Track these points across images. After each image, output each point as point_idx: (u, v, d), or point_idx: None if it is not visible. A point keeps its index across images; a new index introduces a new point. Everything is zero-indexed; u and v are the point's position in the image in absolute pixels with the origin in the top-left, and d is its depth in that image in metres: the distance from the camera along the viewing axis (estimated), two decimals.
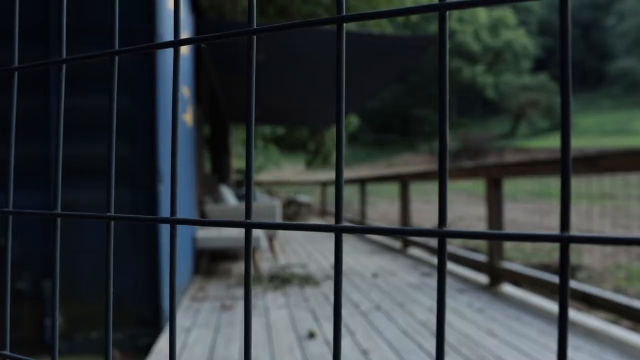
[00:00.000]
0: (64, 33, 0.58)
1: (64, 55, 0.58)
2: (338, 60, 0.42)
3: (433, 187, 15.17)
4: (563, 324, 0.33)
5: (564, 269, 0.33)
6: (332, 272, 4.68)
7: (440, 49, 0.38)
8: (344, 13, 0.41)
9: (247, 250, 0.45)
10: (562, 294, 0.33)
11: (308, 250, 6.26)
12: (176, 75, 0.51)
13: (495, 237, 0.35)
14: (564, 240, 0.33)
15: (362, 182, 9.01)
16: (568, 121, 0.33)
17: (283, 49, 5.50)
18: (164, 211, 3.03)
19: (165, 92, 3.08)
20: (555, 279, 3.32)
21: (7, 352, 0.59)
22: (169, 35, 3.16)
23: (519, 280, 3.67)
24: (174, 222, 0.49)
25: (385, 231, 0.40)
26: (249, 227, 0.45)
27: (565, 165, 0.33)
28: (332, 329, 0.42)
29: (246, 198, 0.46)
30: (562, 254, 0.33)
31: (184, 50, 3.71)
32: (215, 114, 9.00)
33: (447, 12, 0.38)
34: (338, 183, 0.42)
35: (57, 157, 0.57)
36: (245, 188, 1.00)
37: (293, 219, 11.03)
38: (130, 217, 0.53)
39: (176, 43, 0.50)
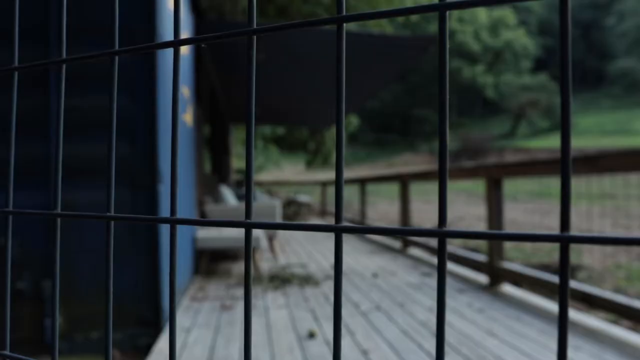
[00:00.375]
0: (64, 33, 0.58)
1: (64, 55, 0.58)
2: (338, 60, 0.42)
3: (433, 187, 15.17)
4: (563, 324, 0.33)
5: (564, 269, 0.33)
6: (332, 272, 4.68)
7: (440, 49, 0.38)
8: (344, 13, 0.41)
9: (247, 250, 0.45)
10: (562, 294, 0.33)
11: (308, 250, 6.26)
12: (176, 75, 0.51)
13: (495, 237, 0.35)
14: (564, 240, 0.33)
15: (362, 182, 9.01)
16: (568, 121, 0.33)
17: (283, 49, 5.50)
18: (164, 211, 3.03)
19: (165, 92, 3.08)
20: (555, 279, 3.32)
21: (7, 352, 0.59)
22: (169, 35, 3.16)
23: (519, 280, 3.67)
24: (174, 222, 0.49)
25: (385, 231, 0.40)
26: (249, 227, 0.45)
27: (565, 165, 0.33)
28: (332, 329, 0.42)
29: (246, 198, 0.46)
30: (562, 254, 0.33)
31: (184, 50, 3.71)
32: (215, 114, 9.00)
33: (447, 12, 0.38)
34: (338, 183, 0.42)
35: (57, 157, 0.57)
36: (245, 188, 1.00)
37: (293, 219, 11.03)
38: (130, 217, 0.53)
39: (176, 43, 0.50)
